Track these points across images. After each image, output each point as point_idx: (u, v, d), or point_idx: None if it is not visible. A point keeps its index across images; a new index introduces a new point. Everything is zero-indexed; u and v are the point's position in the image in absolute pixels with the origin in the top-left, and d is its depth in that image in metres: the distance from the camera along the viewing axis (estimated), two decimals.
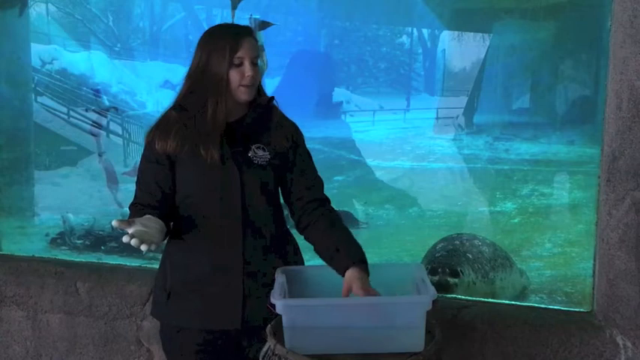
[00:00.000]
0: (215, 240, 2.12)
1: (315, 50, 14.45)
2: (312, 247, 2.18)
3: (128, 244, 1.88)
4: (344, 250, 2.07)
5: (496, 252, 4.24)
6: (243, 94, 2.11)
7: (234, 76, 2.10)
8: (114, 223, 1.90)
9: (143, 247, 1.89)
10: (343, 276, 2.03)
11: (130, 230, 1.91)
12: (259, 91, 2.21)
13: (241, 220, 2.11)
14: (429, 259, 3.93)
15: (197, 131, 2.10)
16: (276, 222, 2.20)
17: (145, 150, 2.18)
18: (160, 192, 2.14)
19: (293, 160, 2.19)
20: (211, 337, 2.16)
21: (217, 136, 2.09)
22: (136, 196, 2.17)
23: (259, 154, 2.14)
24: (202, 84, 2.12)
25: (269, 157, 2.15)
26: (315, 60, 13.63)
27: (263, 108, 2.18)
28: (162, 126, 2.14)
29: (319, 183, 2.23)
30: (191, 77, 2.14)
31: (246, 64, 2.10)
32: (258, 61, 2.18)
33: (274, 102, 2.23)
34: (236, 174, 2.10)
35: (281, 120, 2.22)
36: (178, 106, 2.15)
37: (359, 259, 2.04)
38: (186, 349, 2.18)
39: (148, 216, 2.01)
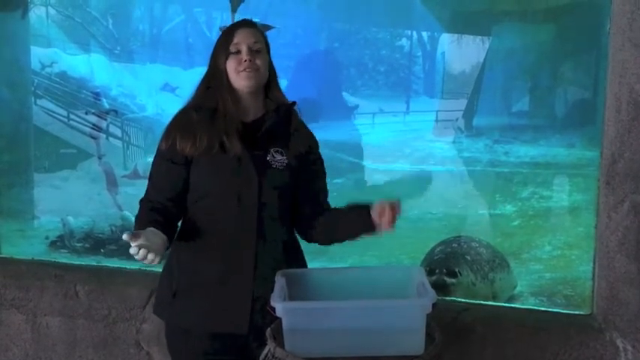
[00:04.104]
0: (228, 242, 2.12)
1: (324, 52, 14.45)
2: (322, 239, 2.22)
3: (128, 247, 1.90)
4: (355, 207, 2.13)
5: (494, 253, 4.26)
6: (241, 79, 2.10)
7: (231, 64, 2.12)
8: (124, 236, 1.90)
9: (150, 257, 1.91)
10: (368, 221, 2.07)
11: (136, 243, 1.92)
12: (278, 91, 2.20)
13: (256, 222, 2.11)
14: (428, 262, 3.94)
15: (217, 128, 2.10)
16: (288, 226, 2.21)
17: (160, 149, 2.17)
18: (172, 190, 2.15)
19: (306, 168, 2.20)
20: (219, 339, 2.15)
21: (233, 130, 2.09)
22: (147, 192, 2.19)
23: (277, 158, 2.14)
24: (212, 81, 2.15)
25: (287, 161, 2.14)
26: (324, 62, 13.67)
27: (284, 111, 2.18)
28: (184, 126, 2.13)
29: (324, 194, 2.26)
30: (203, 78, 2.19)
31: (243, 50, 2.10)
32: (265, 53, 2.16)
33: (296, 107, 2.23)
34: (254, 176, 2.10)
35: (299, 126, 2.22)
36: (196, 106, 2.16)
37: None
38: (193, 351, 2.17)
39: (151, 229, 2.01)
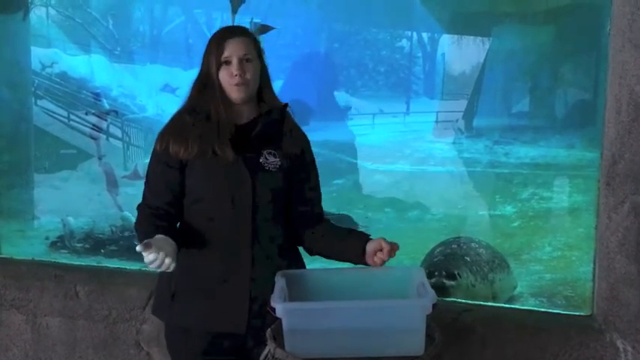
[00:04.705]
0: (224, 243, 2.13)
1: (324, 52, 14.47)
2: (314, 249, 2.24)
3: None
4: (355, 232, 2.21)
5: (494, 254, 4.26)
6: (233, 92, 2.12)
7: (223, 76, 2.13)
8: (138, 248, 1.90)
9: (167, 261, 1.92)
10: (362, 254, 2.12)
11: (152, 252, 1.91)
12: (271, 94, 2.21)
13: (251, 224, 2.12)
14: (427, 264, 3.94)
15: (209, 134, 2.11)
16: (284, 227, 2.21)
17: (155, 152, 2.18)
18: (169, 194, 2.16)
19: (299, 171, 2.21)
20: (218, 338, 2.16)
21: (226, 136, 2.10)
22: (144, 197, 2.19)
23: (270, 160, 2.15)
24: (204, 87, 2.15)
25: (279, 163, 2.16)
26: (324, 63, 13.70)
27: (276, 113, 2.19)
28: (177, 130, 2.15)
29: (317, 197, 2.27)
30: (196, 81, 2.18)
31: (234, 63, 2.11)
32: (256, 61, 2.16)
33: (288, 109, 2.24)
34: (247, 178, 2.11)
35: (293, 128, 2.23)
36: (190, 109, 2.17)
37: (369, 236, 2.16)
38: (192, 351, 2.18)
39: (160, 236, 2.01)
